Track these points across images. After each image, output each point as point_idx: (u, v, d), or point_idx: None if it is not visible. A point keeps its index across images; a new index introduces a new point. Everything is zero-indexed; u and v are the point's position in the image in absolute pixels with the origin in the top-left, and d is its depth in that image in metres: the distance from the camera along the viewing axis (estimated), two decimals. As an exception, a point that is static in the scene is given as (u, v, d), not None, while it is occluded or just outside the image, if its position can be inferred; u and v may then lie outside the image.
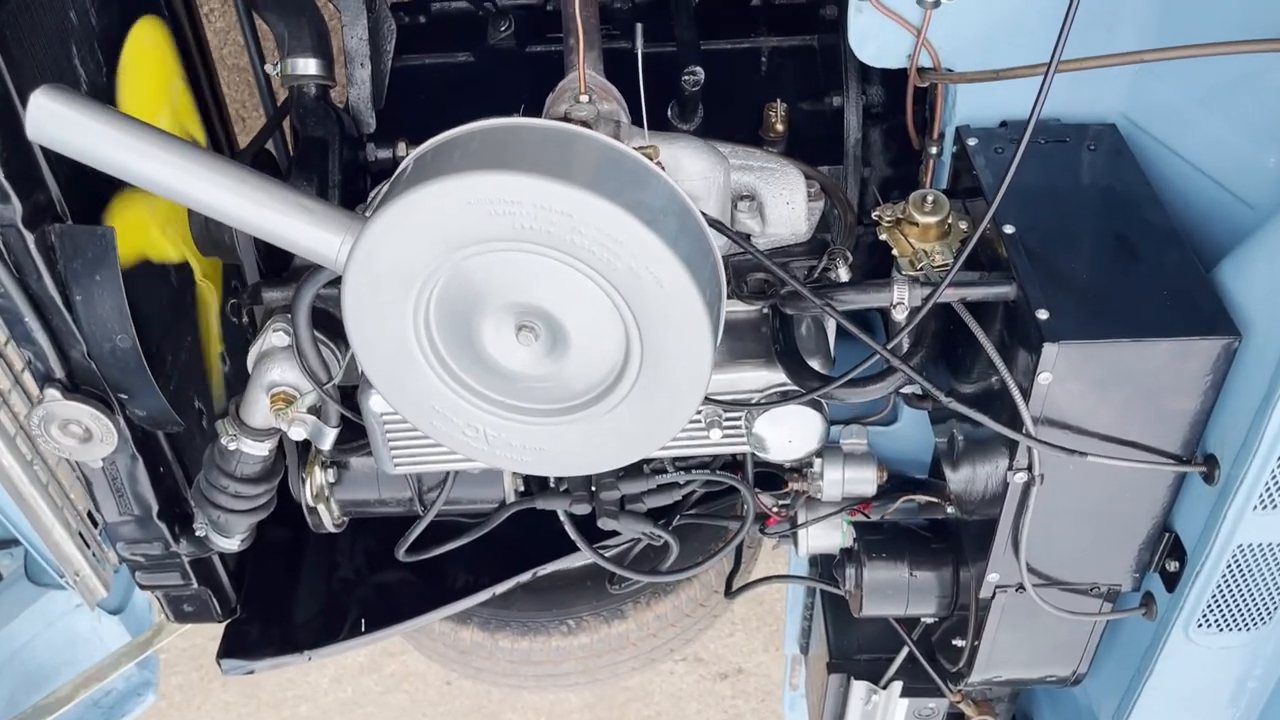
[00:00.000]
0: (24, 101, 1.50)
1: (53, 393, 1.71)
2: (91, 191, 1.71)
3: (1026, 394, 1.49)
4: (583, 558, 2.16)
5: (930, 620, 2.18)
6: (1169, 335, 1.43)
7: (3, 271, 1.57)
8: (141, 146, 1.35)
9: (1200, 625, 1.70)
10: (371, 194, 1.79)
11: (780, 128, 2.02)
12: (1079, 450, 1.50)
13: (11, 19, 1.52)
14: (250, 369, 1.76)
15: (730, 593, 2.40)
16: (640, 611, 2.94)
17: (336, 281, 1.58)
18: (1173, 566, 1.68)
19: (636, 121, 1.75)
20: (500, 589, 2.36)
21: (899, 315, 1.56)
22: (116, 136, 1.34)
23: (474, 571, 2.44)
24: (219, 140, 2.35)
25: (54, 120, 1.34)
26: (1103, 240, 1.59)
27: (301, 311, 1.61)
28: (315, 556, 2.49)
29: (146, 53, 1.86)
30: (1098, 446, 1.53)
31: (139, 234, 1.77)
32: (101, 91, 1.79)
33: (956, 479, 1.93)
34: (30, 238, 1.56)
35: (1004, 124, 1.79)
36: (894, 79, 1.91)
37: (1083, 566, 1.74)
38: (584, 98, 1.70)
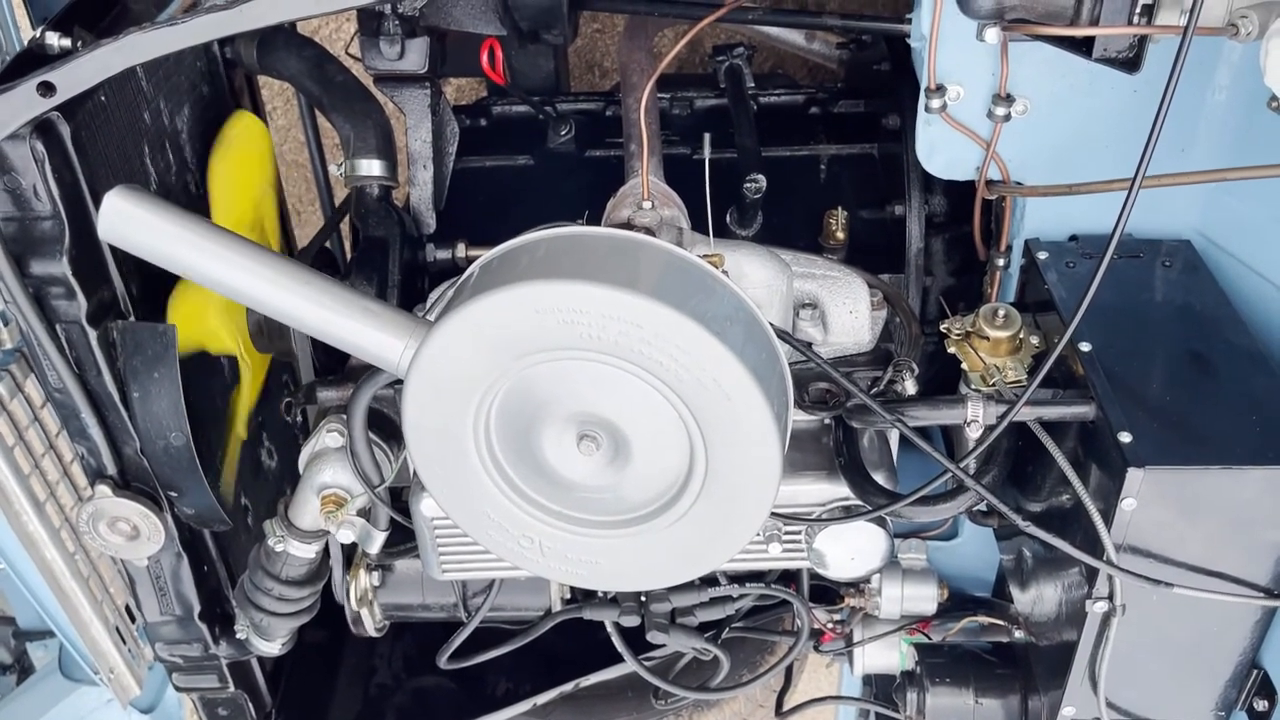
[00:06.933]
0: (96, 201, 1.52)
1: (103, 489, 1.68)
2: (155, 288, 1.71)
3: (1108, 519, 1.42)
4: (626, 667, 2.09)
5: (994, 750, 2.07)
6: (1261, 463, 1.37)
7: (63, 367, 1.57)
8: (210, 249, 1.35)
9: (1292, 769, 1.59)
10: (431, 296, 1.79)
11: (841, 235, 2.00)
12: (1165, 580, 1.43)
13: (87, 119, 1.55)
14: (301, 470, 1.73)
15: (782, 713, 2.31)
16: (682, 725, 2.82)
17: (393, 382, 1.58)
18: (1261, 705, 1.58)
19: (697, 227, 1.75)
20: (542, 699, 2.28)
21: (973, 433, 1.50)
22: (186, 238, 1.35)
23: (514, 679, 2.37)
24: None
25: (126, 221, 1.35)
26: (1183, 360, 1.54)
27: (358, 413, 1.59)
28: (353, 660, 2.43)
29: (246, 142, 1.90)
30: (1183, 577, 1.45)
31: (198, 322, 1.77)
32: (171, 190, 1.81)
33: (1025, 600, 1.85)
34: (93, 334, 1.55)
35: (1074, 238, 1.76)
36: (956, 188, 1.89)
37: (1164, 702, 1.64)
38: (647, 204, 1.70)
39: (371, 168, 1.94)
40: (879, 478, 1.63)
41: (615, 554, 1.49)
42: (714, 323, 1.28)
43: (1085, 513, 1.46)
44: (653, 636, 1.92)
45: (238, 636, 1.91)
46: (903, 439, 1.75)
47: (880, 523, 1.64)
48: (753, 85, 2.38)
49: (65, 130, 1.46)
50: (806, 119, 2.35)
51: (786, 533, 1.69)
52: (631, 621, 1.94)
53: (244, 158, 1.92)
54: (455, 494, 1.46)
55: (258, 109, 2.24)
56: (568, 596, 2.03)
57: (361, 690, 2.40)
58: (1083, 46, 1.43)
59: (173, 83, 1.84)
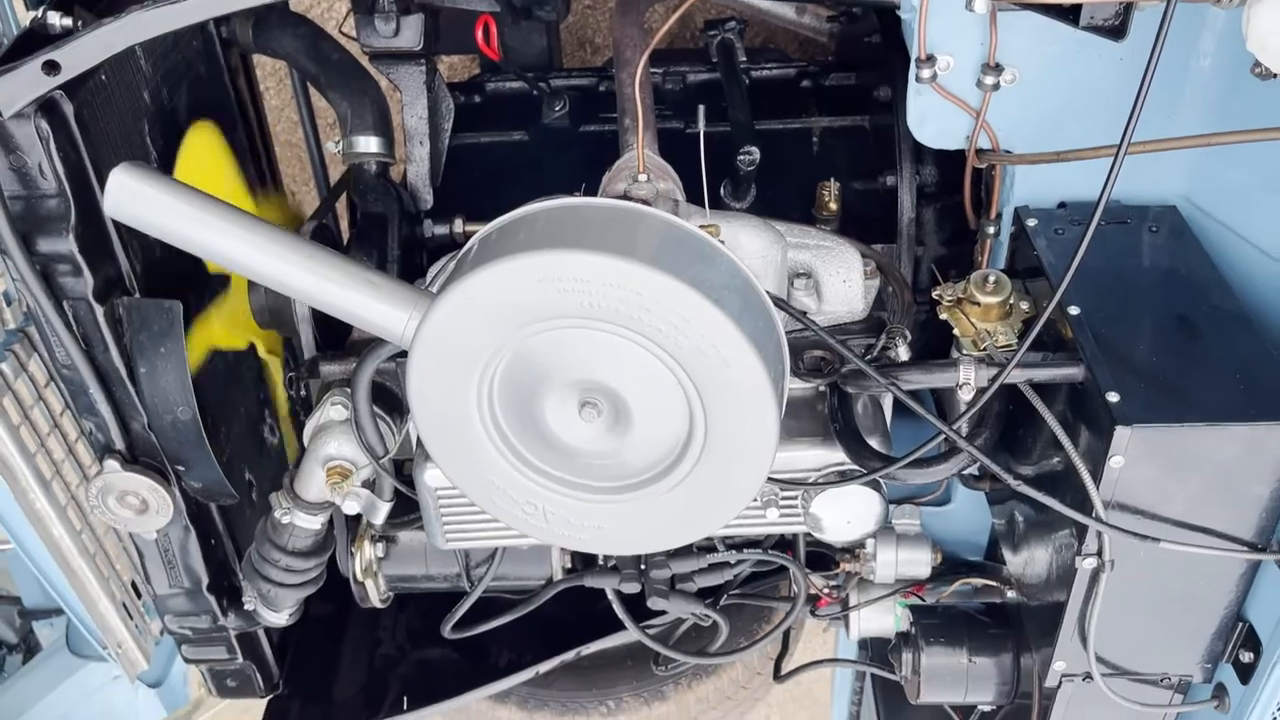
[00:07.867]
0: (99, 178, 1.54)
1: (112, 464, 1.71)
2: (160, 264, 1.73)
3: (1096, 478, 1.46)
4: (627, 636, 2.12)
5: (988, 708, 2.11)
6: (1244, 420, 1.40)
7: (71, 344, 1.59)
8: (216, 224, 1.37)
9: (1276, 719, 1.63)
10: (432, 270, 1.81)
11: (833, 206, 2.03)
12: (1152, 536, 1.47)
13: (89, 97, 1.56)
14: (306, 443, 1.76)
15: (780, 676, 2.35)
16: (682, 693, 2.87)
17: (395, 355, 1.60)
18: (1247, 657, 1.62)
19: (691, 200, 1.77)
20: (544, 668, 2.32)
21: (965, 396, 1.54)
22: (192, 214, 1.37)
23: (517, 649, 2.40)
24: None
25: (132, 197, 1.36)
26: (1170, 323, 1.58)
27: (362, 385, 1.62)
28: (358, 631, 2.47)
29: (198, 156, 1.93)
30: (1170, 532, 1.49)
31: (205, 332, 1.81)
32: (169, 169, 1.83)
33: (1017, 561, 1.89)
34: (100, 310, 1.58)
35: (1063, 205, 1.79)
36: (947, 158, 1.92)
37: (1152, 656, 1.69)
38: (643, 176, 1.72)
39: (369, 144, 1.95)
40: (873, 442, 1.66)
41: (617, 519, 1.52)
42: (712, 290, 1.31)
43: (1075, 473, 1.49)
44: (653, 602, 1.96)
45: (246, 608, 1.94)
46: (895, 407, 1.78)
47: (875, 486, 1.68)
48: (744, 59, 2.40)
49: (69, 109, 1.48)
50: (798, 92, 2.37)
51: (784, 497, 1.72)
52: (632, 588, 1.97)
53: (196, 176, 1.94)
54: (460, 463, 1.49)
55: (252, 88, 2.25)
56: (569, 565, 2.07)
57: (366, 661, 2.43)
58: (1070, 15, 1.46)
59: (170, 62, 1.85)
